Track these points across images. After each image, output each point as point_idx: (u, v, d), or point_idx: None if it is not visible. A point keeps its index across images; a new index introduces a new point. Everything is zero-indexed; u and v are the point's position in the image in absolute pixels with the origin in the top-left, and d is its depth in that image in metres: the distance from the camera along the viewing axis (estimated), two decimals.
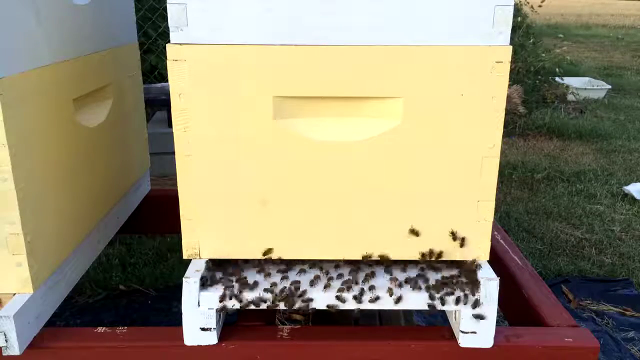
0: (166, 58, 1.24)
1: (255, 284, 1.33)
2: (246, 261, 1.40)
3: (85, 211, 1.62)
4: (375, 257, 1.37)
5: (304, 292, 1.32)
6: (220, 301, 1.31)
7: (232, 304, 1.31)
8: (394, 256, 1.37)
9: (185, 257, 1.36)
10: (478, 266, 1.36)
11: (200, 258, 1.36)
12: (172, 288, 3.01)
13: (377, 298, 1.31)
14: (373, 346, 1.36)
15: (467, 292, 1.31)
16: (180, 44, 1.22)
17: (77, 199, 1.57)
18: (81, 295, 2.94)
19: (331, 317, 1.70)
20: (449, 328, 1.39)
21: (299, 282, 1.34)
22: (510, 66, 1.26)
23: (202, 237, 1.35)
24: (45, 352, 1.34)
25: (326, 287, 1.33)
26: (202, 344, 1.33)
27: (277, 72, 1.25)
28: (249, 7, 1.21)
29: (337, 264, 1.40)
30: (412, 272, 1.38)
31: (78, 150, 1.57)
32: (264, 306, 1.32)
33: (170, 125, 1.29)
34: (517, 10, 7.28)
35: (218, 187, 1.31)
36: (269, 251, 1.36)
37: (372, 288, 1.32)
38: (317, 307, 1.33)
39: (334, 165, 1.30)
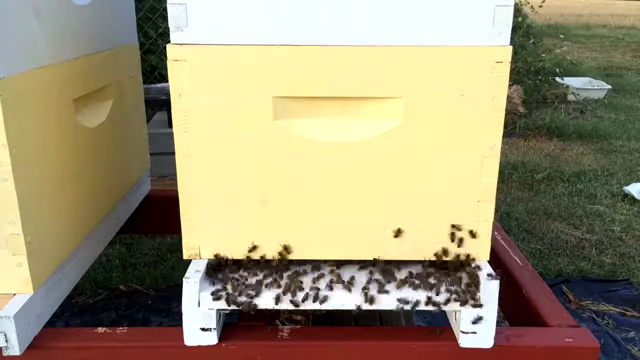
0: (166, 58, 1.24)
1: (257, 283, 1.33)
2: (242, 261, 1.40)
3: (85, 211, 1.62)
4: (374, 256, 1.37)
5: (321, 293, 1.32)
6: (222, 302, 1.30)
7: (232, 305, 1.31)
8: (393, 256, 1.37)
9: (185, 257, 1.36)
10: (478, 266, 1.36)
11: (200, 258, 1.36)
12: (172, 288, 3.01)
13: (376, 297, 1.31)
14: (373, 346, 1.36)
15: (467, 292, 1.31)
16: (181, 44, 1.23)
17: (77, 199, 1.57)
18: (81, 295, 2.94)
19: (331, 318, 1.70)
20: (449, 328, 1.39)
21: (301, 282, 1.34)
22: (510, 66, 1.26)
23: (202, 237, 1.35)
24: (45, 352, 1.34)
25: (331, 288, 1.33)
26: (202, 344, 1.33)
27: (277, 72, 1.24)
28: (249, 7, 1.21)
29: (336, 264, 1.40)
30: (412, 272, 1.38)
31: (78, 151, 1.57)
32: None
33: (170, 125, 1.29)
34: (517, 11, 7.28)
35: (218, 187, 1.31)
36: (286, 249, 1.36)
37: (370, 288, 1.32)
38: (329, 308, 1.32)
39: (334, 165, 1.30)
